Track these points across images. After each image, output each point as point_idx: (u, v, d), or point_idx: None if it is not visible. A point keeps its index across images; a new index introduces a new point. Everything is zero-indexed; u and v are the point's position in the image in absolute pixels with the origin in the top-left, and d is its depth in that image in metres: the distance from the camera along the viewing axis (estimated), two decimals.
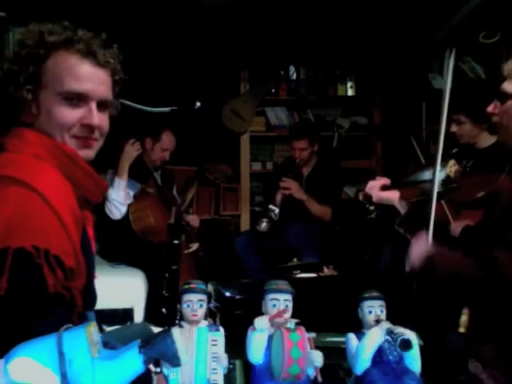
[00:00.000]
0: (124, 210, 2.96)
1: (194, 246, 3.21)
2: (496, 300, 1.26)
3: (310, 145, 3.54)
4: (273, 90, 4.44)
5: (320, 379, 1.22)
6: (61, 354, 0.83)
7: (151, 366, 1.07)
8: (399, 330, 1.23)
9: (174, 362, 0.92)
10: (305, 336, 1.22)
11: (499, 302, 1.25)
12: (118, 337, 1.21)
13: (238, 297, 2.28)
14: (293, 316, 1.31)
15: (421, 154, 2.57)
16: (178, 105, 3.04)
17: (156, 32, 3.32)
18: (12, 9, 2.46)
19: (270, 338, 1.25)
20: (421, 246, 1.44)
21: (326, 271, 2.88)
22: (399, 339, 1.19)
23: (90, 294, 1.19)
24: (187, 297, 1.30)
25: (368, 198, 2.12)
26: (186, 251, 3.14)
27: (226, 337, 1.30)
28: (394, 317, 1.32)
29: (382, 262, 2.71)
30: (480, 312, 1.40)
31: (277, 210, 3.39)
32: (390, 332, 1.24)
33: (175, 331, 0.92)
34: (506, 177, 1.77)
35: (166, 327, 0.94)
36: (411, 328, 1.27)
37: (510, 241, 1.26)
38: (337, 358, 1.41)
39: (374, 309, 1.31)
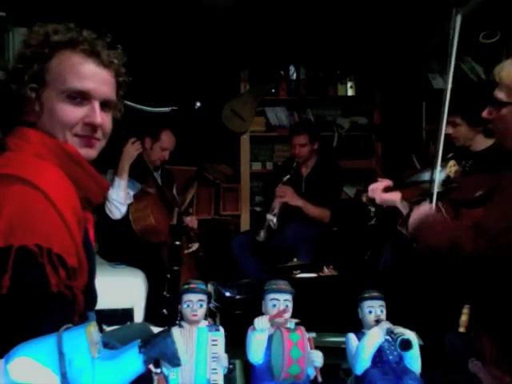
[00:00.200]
0: (124, 209, 2.96)
1: (194, 246, 3.21)
2: (494, 290, 1.27)
3: (309, 141, 3.54)
4: (273, 90, 4.45)
5: (320, 379, 1.22)
6: (61, 354, 0.83)
7: (151, 367, 1.07)
8: (399, 329, 1.23)
9: (174, 362, 0.92)
10: (305, 336, 1.22)
11: (497, 293, 1.26)
12: (118, 337, 1.21)
13: (238, 297, 2.28)
14: (293, 316, 1.31)
15: (417, 161, 2.56)
16: (178, 105, 3.04)
17: (156, 32, 3.32)
18: (12, 9, 2.46)
19: (270, 337, 1.25)
20: (422, 209, 1.45)
21: (326, 271, 2.88)
22: (399, 339, 1.19)
23: (91, 294, 1.19)
24: (187, 297, 1.30)
25: (371, 199, 2.13)
26: (186, 251, 3.14)
27: (226, 337, 1.30)
28: (393, 317, 1.32)
29: (382, 262, 2.71)
30: (478, 307, 1.41)
31: (275, 220, 3.41)
32: (390, 332, 1.23)
33: (175, 331, 0.92)
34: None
35: (166, 327, 0.94)
36: (411, 328, 1.27)
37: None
38: (337, 358, 1.40)
39: (374, 309, 1.31)
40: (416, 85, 3.92)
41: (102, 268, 2.65)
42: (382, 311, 1.31)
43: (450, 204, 1.92)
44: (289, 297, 1.31)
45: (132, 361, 0.88)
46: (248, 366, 1.31)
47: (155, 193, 3.15)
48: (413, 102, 3.96)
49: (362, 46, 3.75)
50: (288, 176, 3.48)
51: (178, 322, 1.31)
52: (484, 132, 2.21)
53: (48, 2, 2.50)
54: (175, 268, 2.79)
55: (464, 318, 1.62)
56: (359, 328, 1.33)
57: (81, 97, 1.15)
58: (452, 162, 1.98)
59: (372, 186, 2.12)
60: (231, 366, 1.35)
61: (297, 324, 1.30)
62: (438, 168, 1.65)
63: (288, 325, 1.29)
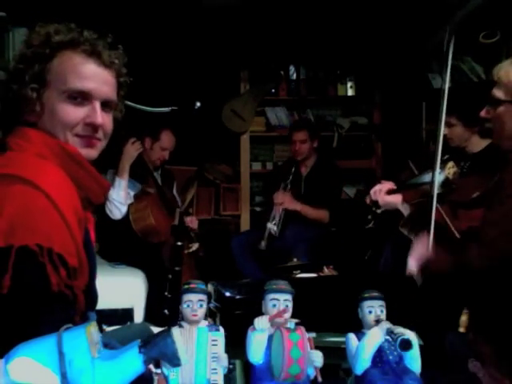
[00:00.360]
0: (124, 209, 2.96)
1: (194, 246, 3.21)
2: (495, 295, 1.27)
3: (309, 138, 3.55)
4: (273, 90, 4.45)
5: (320, 379, 1.22)
6: (61, 354, 0.83)
7: (151, 367, 1.07)
8: (399, 329, 1.23)
9: (174, 362, 0.92)
10: (305, 336, 1.22)
11: (498, 297, 1.26)
12: (118, 337, 1.21)
13: (238, 297, 2.28)
14: (293, 316, 1.31)
15: (414, 167, 2.56)
16: (177, 105, 3.04)
17: (156, 32, 3.32)
18: (12, 9, 2.46)
19: (270, 337, 1.25)
20: (421, 250, 1.45)
21: (326, 271, 2.88)
22: (399, 339, 1.19)
23: (91, 294, 1.19)
24: (187, 297, 1.30)
25: (375, 201, 2.15)
26: (186, 251, 3.14)
27: (226, 337, 1.30)
28: (394, 317, 1.32)
29: (382, 262, 2.71)
30: (477, 312, 1.40)
31: (275, 228, 3.45)
32: (390, 332, 1.24)
33: (175, 331, 0.92)
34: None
35: (166, 327, 0.94)
36: (411, 328, 1.27)
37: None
38: (337, 358, 1.40)
39: (374, 309, 1.31)
40: (416, 85, 3.92)
41: (103, 268, 2.64)
42: (382, 311, 1.31)
43: (449, 205, 1.93)
44: (289, 297, 1.31)
45: (132, 361, 0.88)
46: (248, 366, 1.31)
47: (155, 193, 3.15)
48: (413, 102, 3.96)
49: (361, 46, 3.75)
50: (288, 181, 3.51)
51: (178, 322, 1.31)
52: (479, 133, 2.21)
53: (48, 3, 2.50)
54: (176, 268, 2.79)
55: (464, 317, 1.62)
56: (359, 328, 1.33)
57: (82, 97, 1.15)
58: (451, 164, 1.99)
59: (375, 189, 2.13)
60: (231, 366, 1.35)
61: (297, 324, 1.30)
62: (438, 170, 1.66)
63: (288, 325, 1.29)
